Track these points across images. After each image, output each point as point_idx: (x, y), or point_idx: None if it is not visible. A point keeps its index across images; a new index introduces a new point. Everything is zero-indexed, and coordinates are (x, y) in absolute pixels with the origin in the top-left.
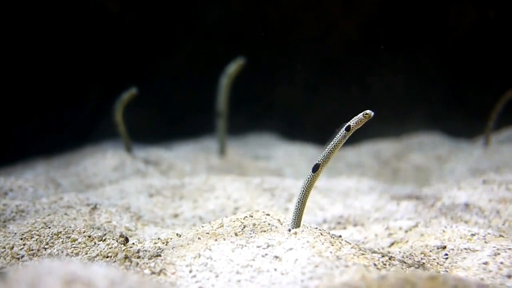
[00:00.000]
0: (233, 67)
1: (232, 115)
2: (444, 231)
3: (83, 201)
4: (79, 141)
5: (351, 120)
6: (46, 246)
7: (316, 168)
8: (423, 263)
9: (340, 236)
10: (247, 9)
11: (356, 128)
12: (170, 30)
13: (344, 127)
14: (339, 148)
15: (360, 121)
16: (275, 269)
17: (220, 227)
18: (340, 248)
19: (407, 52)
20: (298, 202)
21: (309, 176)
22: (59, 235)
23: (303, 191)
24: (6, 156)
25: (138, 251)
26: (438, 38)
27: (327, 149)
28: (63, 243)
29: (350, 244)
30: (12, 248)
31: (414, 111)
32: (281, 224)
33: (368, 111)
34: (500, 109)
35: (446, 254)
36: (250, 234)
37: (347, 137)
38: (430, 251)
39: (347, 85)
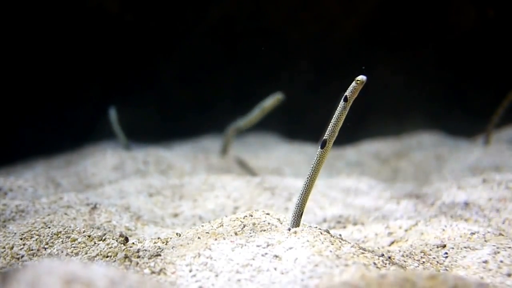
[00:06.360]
0: (269, 102)
1: (232, 114)
2: (444, 230)
3: (83, 201)
4: (78, 141)
5: (346, 91)
6: (46, 246)
7: (324, 144)
8: (423, 262)
9: (340, 235)
10: (246, 9)
11: (353, 97)
12: (170, 30)
13: (342, 98)
14: (342, 121)
15: (355, 89)
16: (275, 268)
17: (220, 226)
18: (340, 247)
19: (407, 51)
20: (306, 183)
21: (318, 153)
22: (59, 235)
23: (313, 168)
24: (6, 156)
25: (138, 251)
26: (438, 37)
27: (331, 124)
28: (63, 243)
29: (350, 243)
30: (12, 248)
31: (414, 110)
32: (281, 223)
33: (360, 77)
34: (507, 104)
35: (446, 253)
36: (250, 233)
37: (347, 108)
38: (430, 250)
39: (347, 85)
